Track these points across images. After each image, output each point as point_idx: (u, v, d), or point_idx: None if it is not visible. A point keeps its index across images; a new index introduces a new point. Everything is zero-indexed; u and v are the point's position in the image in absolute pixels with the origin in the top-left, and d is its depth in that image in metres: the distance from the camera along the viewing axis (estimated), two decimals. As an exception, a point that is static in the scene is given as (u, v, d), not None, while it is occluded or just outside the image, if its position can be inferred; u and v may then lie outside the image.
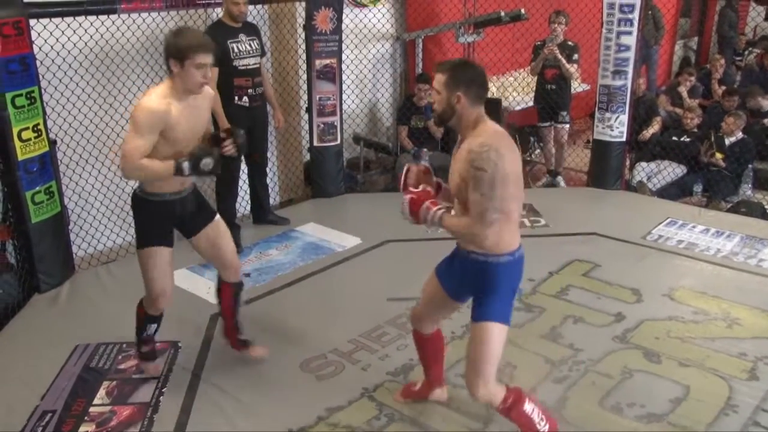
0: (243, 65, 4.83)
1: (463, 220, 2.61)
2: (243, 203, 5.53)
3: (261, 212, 5.49)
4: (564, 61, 6.26)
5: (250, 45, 4.88)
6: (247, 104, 4.88)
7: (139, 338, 3.53)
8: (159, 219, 3.20)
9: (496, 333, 2.70)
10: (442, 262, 3.02)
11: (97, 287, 4.51)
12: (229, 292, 3.54)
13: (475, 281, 2.75)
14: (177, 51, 2.92)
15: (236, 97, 4.82)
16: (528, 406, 2.80)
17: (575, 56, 6.32)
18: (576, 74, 6.43)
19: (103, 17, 4.58)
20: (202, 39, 3.00)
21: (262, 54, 5.05)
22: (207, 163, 3.01)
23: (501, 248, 2.65)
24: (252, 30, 5.00)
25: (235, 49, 4.78)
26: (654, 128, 7.00)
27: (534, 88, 6.73)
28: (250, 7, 5.41)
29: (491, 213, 2.50)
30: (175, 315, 4.12)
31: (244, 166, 5.24)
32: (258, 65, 4.96)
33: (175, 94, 2.99)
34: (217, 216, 3.41)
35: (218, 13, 5.29)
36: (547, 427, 2.83)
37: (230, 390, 3.43)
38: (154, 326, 3.49)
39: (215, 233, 3.36)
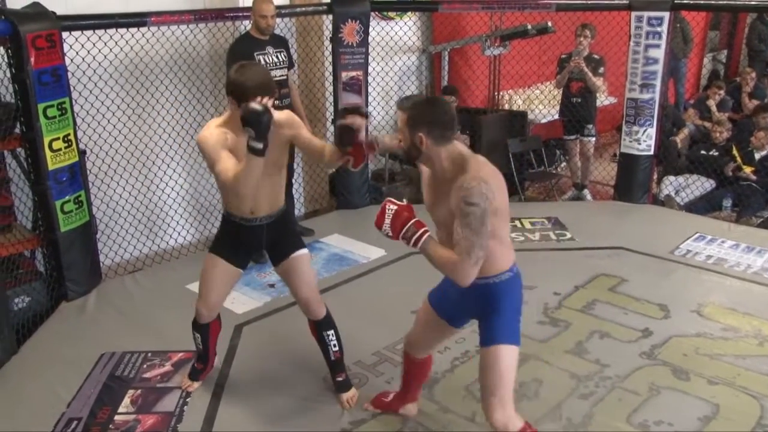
0: None
1: (449, 254, 2.49)
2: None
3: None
4: (590, 74, 6.23)
5: (277, 57, 4.93)
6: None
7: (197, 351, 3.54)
8: (230, 237, 3.23)
9: (508, 355, 2.63)
10: (435, 289, 2.96)
11: (124, 296, 4.55)
12: (312, 328, 3.42)
13: (477, 305, 2.67)
14: (238, 90, 2.85)
15: None
16: None
17: (601, 69, 6.28)
18: (602, 87, 6.39)
19: (133, 30, 4.65)
20: (264, 80, 2.91)
21: (290, 66, 5.08)
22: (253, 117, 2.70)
23: (498, 268, 2.61)
24: (280, 42, 5.03)
25: (262, 62, 4.81)
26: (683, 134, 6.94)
27: (560, 101, 6.70)
28: (278, 20, 5.47)
29: (478, 250, 2.42)
30: (200, 325, 4.17)
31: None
32: (284, 77, 4.98)
33: (233, 128, 2.91)
34: (299, 252, 3.26)
35: (246, 25, 5.35)
36: None
37: (254, 401, 3.44)
38: (198, 337, 3.44)
39: (290, 269, 3.27)
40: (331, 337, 3.39)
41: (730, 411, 3.29)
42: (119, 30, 4.59)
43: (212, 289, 3.27)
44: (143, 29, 4.68)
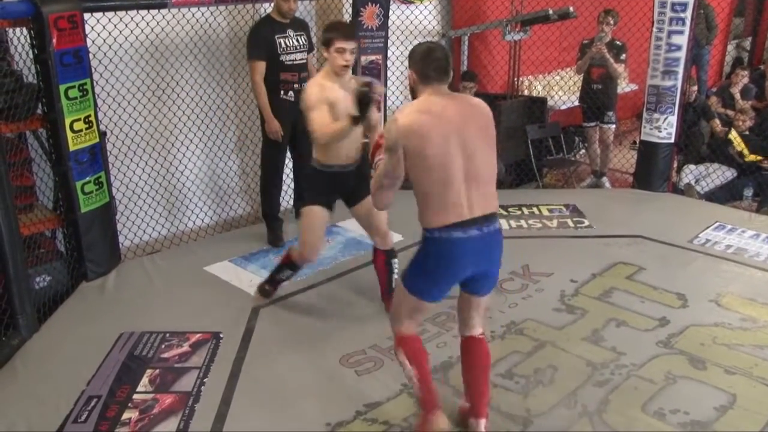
0: (290, 60, 4.83)
1: (375, 176, 2.90)
2: (286, 197, 5.56)
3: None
4: (611, 60, 6.17)
5: (297, 41, 4.88)
6: (293, 98, 4.81)
7: (272, 276, 4.13)
8: (321, 186, 3.80)
9: (400, 291, 2.96)
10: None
11: (143, 277, 4.59)
12: (381, 258, 4.05)
13: None
14: (324, 39, 3.59)
15: (282, 92, 4.82)
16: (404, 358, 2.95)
17: (623, 56, 6.21)
18: (623, 74, 6.32)
19: (154, 12, 4.66)
20: (342, 27, 3.71)
21: (310, 50, 5.04)
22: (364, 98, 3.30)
23: (424, 223, 2.79)
24: (300, 26, 4.99)
25: (282, 44, 4.78)
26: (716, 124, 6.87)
27: (580, 87, 6.65)
28: (298, 3, 5.45)
29: (380, 178, 2.83)
30: (217, 306, 4.21)
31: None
32: (305, 61, 4.94)
33: (328, 76, 3.60)
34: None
35: (266, 8, 5.34)
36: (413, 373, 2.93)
37: (270, 382, 3.47)
38: (289, 272, 4.08)
39: (370, 208, 3.65)
40: (395, 264, 4.04)
41: (747, 401, 3.27)
42: (140, 12, 4.60)
43: (319, 235, 3.89)
44: (164, 11, 4.70)
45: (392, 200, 2.93)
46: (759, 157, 6.27)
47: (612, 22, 6.18)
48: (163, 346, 3.78)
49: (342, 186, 3.83)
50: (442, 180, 2.67)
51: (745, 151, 6.33)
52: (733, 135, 6.44)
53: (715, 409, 3.22)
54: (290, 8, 4.80)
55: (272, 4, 4.90)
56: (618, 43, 6.24)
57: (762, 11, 10.99)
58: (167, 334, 3.88)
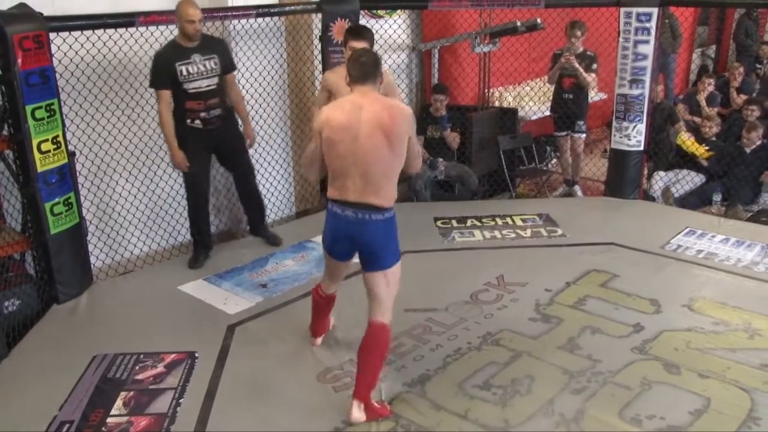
0: (194, 88, 4.57)
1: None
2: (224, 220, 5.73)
3: (255, 224, 5.35)
4: (581, 70, 6.24)
5: (204, 65, 4.58)
6: (201, 126, 4.66)
7: None
8: None
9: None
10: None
11: (115, 298, 4.53)
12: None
13: None
14: (343, 40, 4.19)
15: (189, 120, 4.65)
16: None
17: (594, 66, 6.28)
18: (593, 84, 6.40)
19: (121, 30, 4.63)
20: (352, 29, 4.27)
21: (227, 71, 4.74)
22: None
23: (327, 194, 3.29)
24: (211, 48, 4.64)
25: (184, 72, 4.52)
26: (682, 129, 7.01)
27: (551, 97, 6.72)
28: (267, 19, 5.46)
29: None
30: (192, 325, 4.18)
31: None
32: (213, 86, 4.64)
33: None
34: None
35: (235, 25, 5.34)
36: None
37: (247, 401, 3.44)
38: None
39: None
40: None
41: (721, 404, 3.31)
42: (107, 30, 4.57)
43: None
44: (131, 29, 4.66)
45: (316, 176, 3.46)
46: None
47: (579, 33, 6.26)
48: (137, 368, 3.73)
49: None
50: (338, 166, 3.16)
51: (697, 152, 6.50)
52: (681, 139, 6.58)
53: (690, 413, 3.25)
54: (195, 30, 4.50)
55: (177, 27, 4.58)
56: (589, 53, 6.32)
57: (724, 20, 11.22)
58: (141, 356, 3.83)
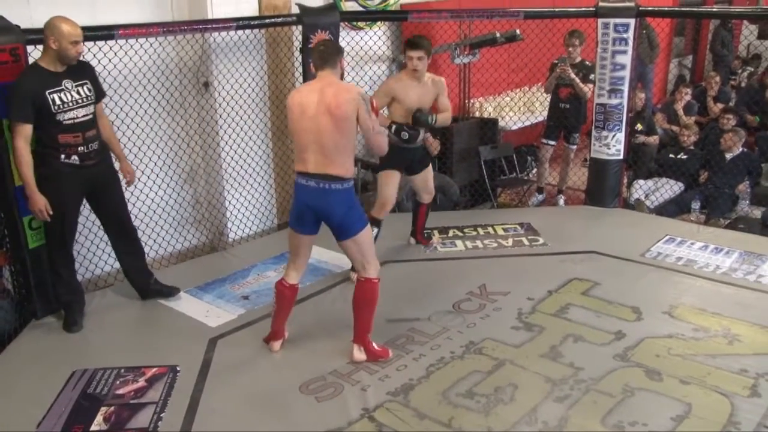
0: (69, 119, 3.98)
1: None
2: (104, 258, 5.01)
3: (138, 281, 4.65)
4: (578, 80, 6.28)
5: (78, 93, 4.01)
6: (78, 162, 4.05)
7: None
8: (397, 155, 4.68)
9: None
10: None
11: (95, 312, 4.48)
12: (424, 209, 5.32)
13: None
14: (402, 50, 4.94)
15: (63, 156, 4.00)
16: None
17: (591, 76, 6.27)
18: (587, 94, 6.40)
19: (100, 43, 4.60)
20: (410, 40, 4.71)
21: (99, 98, 4.22)
22: (404, 134, 4.72)
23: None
24: (82, 73, 4.08)
25: (57, 101, 3.92)
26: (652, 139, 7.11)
27: (542, 106, 6.76)
28: (247, 32, 5.46)
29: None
30: (173, 339, 4.14)
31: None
32: (90, 116, 4.09)
33: (408, 75, 4.74)
34: (429, 163, 5.20)
35: (215, 37, 5.33)
36: None
37: (229, 414, 3.41)
38: (376, 230, 4.64)
39: (427, 174, 5.12)
40: (428, 213, 5.38)
41: (702, 409, 3.33)
42: (86, 43, 4.53)
43: (393, 192, 4.89)
44: (111, 42, 4.64)
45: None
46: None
47: (577, 42, 6.31)
48: (117, 383, 3.69)
49: (407, 159, 4.89)
50: (299, 141, 3.60)
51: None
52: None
53: (672, 419, 3.27)
54: (78, 52, 3.97)
55: (45, 50, 3.96)
56: (588, 63, 6.35)
57: (700, 30, 11.38)
58: (122, 370, 3.79)
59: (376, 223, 4.76)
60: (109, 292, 4.79)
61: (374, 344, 3.82)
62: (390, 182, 4.85)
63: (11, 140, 3.90)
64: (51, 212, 3.97)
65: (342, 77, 3.73)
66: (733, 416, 3.28)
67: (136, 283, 4.64)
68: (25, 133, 3.86)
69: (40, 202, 3.93)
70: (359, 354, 3.78)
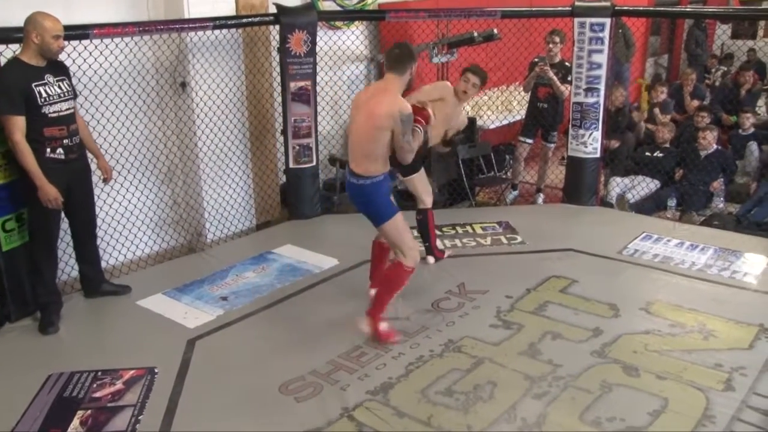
0: (54, 111, 4.02)
1: None
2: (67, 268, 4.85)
3: (93, 282, 4.64)
4: (556, 80, 6.31)
5: (60, 87, 4.06)
6: (63, 156, 4.09)
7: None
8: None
9: None
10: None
11: (72, 314, 4.42)
12: (431, 216, 5.03)
13: None
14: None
15: (49, 150, 4.02)
16: None
17: (570, 77, 6.29)
18: (565, 93, 6.43)
19: (75, 42, 4.56)
20: (473, 68, 4.94)
21: (75, 96, 4.26)
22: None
23: None
24: (60, 69, 4.15)
25: (43, 94, 3.96)
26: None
27: (519, 105, 6.79)
28: (224, 31, 5.43)
29: None
30: (151, 340, 4.11)
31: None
32: (72, 110, 4.17)
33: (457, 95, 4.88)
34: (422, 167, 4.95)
35: (192, 37, 5.30)
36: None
37: (208, 416, 3.39)
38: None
39: (422, 172, 4.94)
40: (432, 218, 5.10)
41: (678, 404, 3.37)
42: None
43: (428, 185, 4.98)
44: (86, 42, 4.60)
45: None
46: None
47: (558, 40, 6.33)
48: (95, 386, 3.65)
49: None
50: (349, 141, 3.96)
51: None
52: None
53: (649, 414, 3.30)
54: (59, 47, 4.03)
55: (24, 44, 3.99)
56: (567, 64, 6.37)
57: (675, 29, 11.51)
58: (99, 373, 3.75)
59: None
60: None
61: (383, 324, 3.97)
62: (421, 179, 4.98)
63: (8, 136, 3.91)
64: (63, 200, 4.06)
65: (410, 85, 4.00)
66: (708, 410, 3.32)
67: (86, 282, 4.64)
68: (20, 125, 3.90)
69: (52, 192, 3.99)
70: (365, 326, 3.96)
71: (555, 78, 6.31)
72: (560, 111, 6.58)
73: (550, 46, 6.36)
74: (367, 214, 3.97)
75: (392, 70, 3.82)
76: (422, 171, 4.97)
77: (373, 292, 4.21)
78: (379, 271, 4.34)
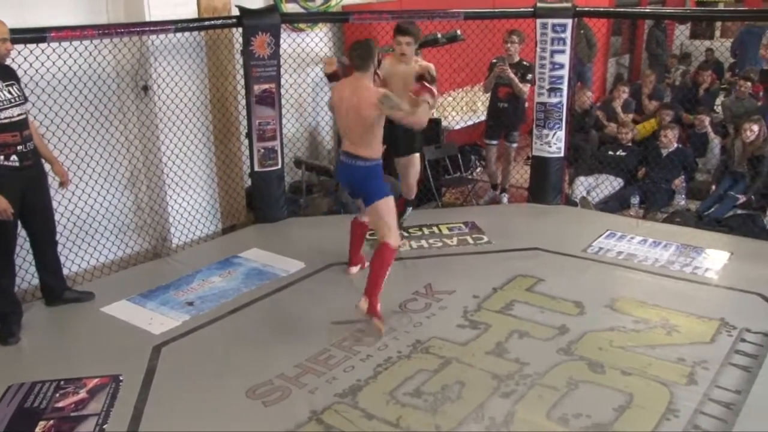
0: (6, 117, 3.91)
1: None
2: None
3: (55, 290, 4.55)
4: (516, 80, 6.35)
5: (10, 92, 3.95)
6: (18, 164, 3.99)
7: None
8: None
9: None
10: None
11: (32, 323, 4.34)
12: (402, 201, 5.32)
13: None
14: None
15: (2, 157, 3.93)
16: None
17: (529, 76, 6.38)
18: (526, 93, 6.49)
19: (31, 46, 4.47)
20: (398, 26, 5.03)
21: (25, 101, 4.14)
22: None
23: None
24: (8, 74, 4.03)
25: None
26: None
27: (483, 105, 6.83)
28: (186, 34, 5.38)
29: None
30: (115, 348, 4.06)
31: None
32: (24, 116, 4.06)
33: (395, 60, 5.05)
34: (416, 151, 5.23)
35: (154, 40, 5.23)
36: None
37: (175, 423, 3.35)
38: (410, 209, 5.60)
39: (408, 163, 5.20)
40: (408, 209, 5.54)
41: (643, 399, 3.42)
42: (15, 46, 4.39)
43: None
44: (42, 45, 4.51)
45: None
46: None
47: (516, 40, 6.37)
48: (57, 395, 3.58)
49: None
50: (341, 127, 4.46)
51: None
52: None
53: (615, 410, 3.34)
54: (7, 50, 3.95)
55: None
56: (525, 63, 6.43)
57: (636, 30, 11.69)
58: (62, 382, 3.68)
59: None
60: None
61: (379, 306, 4.19)
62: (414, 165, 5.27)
63: None
64: (14, 211, 3.94)
65: (374, 78, 4.32)
66: (672, 404, 3.37)
67: (47, 290, 4.54)
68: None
69: (2, 203, 3.87)
70: (363, 304, 4.14)
71: (515, 77, 6.36)
72: (521, 110, 6.63)
73: (508, 45, 6.41)
74: (365, 191, 4.32)
75: (357, 69, 4.23)
76: (412, 161, 5.21)
77: (354, 269, 4.88)
78: (356, 250, 4.91)
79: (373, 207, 4.26)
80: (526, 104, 6.96)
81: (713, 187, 6.59)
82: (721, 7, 12.32)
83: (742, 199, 6.22)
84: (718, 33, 12.16)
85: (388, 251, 4.21)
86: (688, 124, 7.82)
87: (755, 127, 6.23)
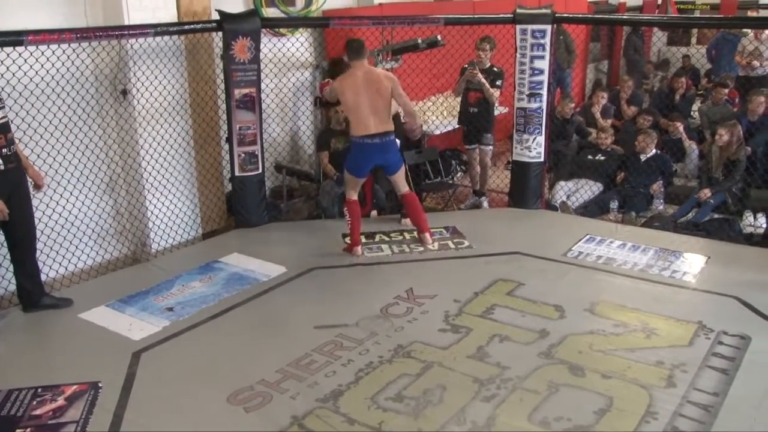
0: None
1: None
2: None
3: (32, 296, 4.49)
4: (487, 85, 6.40)
5: None
6: (2, 167, 4.02)
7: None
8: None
9: (347, 173, 5.39)
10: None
11: (9, 331, 4.29)
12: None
13: None
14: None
15: None
16: None
17: (498, 82, 6.45)
18: (496, 98, 6.56)
19: (8, 49, 4.43)
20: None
21: (2, 105, 4.17)
22: None
23: (352, 134, 5.23)
24: None
25: None
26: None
27: (458, 111, 6.86)
28: (166, 38, 5.35)
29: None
30: (94, 354, 4.02)
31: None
32: (6, 119, 4.11)
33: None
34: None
35: (133, 44, 5.20)
36: None
37: (155, 429, 3.32)
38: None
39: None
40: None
41: (623, 402, 3.44)
42: (-4, 49, 4.36)
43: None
44: (20, 48, 4.47)
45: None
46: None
47: (488, 47, 6.44)
48: (34, 403, 3.54)
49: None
50: (354, 112, 5.10)
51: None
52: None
53: (595, 413, 3.36)
54: None
55: None
56: (496, 69, 6.50)
57: (614, 36, 11.82)
58: (39, 389, 3.64)
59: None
60: (24, 308, 4.60)
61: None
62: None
63: None
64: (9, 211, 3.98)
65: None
66: (651, 407, 3.39)
67: (24, 296, 4.48)
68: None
69: None
70: (428, 238, 5.47)
71: (485, 82, 6.41)
72: (491, 115, 6.68)
73: (480, 52, 6.48)
74: (391, 163, 5.27)
75: (359, 57, 5.10)
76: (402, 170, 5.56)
77: (359, 249, 5.30)
78: (359, 230, 5.36)
79: (400, 173, 5.35)
80: (506, 110, 7.03)
81: (696, 191, 6.63)
82: (697, 14, 12.50)
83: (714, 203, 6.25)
84: (694, 40, 12.31)
85: (413, 196, 5.53)
86: (664, 130, 7.90)
87: (723, 131, 6.28)
